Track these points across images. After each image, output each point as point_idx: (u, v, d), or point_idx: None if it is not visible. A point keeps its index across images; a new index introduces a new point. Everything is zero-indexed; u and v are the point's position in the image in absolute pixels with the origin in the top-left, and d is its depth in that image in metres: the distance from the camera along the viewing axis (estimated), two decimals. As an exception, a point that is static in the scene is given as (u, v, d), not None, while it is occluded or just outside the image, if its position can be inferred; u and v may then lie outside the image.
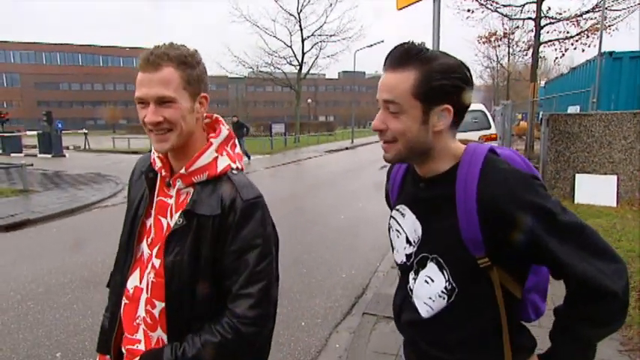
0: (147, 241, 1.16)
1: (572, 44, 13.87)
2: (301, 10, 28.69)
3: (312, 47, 30.22)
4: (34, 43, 69.04)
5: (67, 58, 71.29)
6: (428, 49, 0.95)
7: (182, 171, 1.09)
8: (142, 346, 1.14)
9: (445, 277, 1.00)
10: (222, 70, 31.82)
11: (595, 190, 6.85)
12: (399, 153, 0.99)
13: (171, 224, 1.10)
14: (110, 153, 23.70)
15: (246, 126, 17.49)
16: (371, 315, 3.66)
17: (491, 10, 14.09)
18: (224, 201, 1.07)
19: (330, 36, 29.89)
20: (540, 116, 9.30)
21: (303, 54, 29.90)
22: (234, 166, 1.14)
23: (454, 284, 0.99)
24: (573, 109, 9.76)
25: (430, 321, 1.05)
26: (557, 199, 0.93)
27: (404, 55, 0.94)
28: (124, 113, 65.84)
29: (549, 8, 13.83)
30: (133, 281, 1.17)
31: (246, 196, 1.08)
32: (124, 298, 1.19)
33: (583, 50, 14.35)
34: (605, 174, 6.86)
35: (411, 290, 1.09)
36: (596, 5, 13.25)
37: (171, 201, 1.13)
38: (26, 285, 4.50)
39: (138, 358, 1.11)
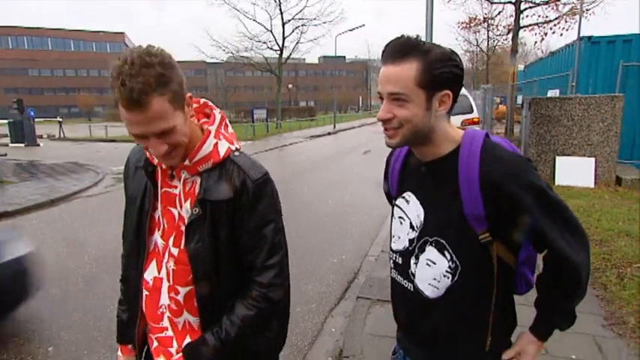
0: (159, 232, 1.18)
1: (550, 28, 14.08)
2: (281, -7, 28.09)
3: (292, 31, 29.77)
4: None
5: (35, 43, 68.04)
6: (424, 42, 1.01)
7: (186, 162, 1.10)
8: (169, 333, 1.19)
9: (448, 257, 1.07)
10: (200, 55, 31.08)
11: (574, 172, 7.05)
12: (404, 137, 1.05)
13: (184, 214, 1.13)
14: (87, 141, 23.04)
15: None
16: (365, 299, 3.70)
17: (472, -6, 14.11)
18: (234, 184, 1.11)
19: (311, 20, 29.44)
20: (521, 100, 9.44)
21: (284, 38, 29.43)
22: (233, 147, 1.16)
23: (457, 262, 1.06)
24: (553, 93, 9.95)
25: (436, 301, 1.10)
26: (546, 181, 1.03)
27: (403, 48, 1.00)
28: (99, 100, 63.37)
29: (528, -8, 13.96)
30: (150, 272, 1.20)
31: (254, 177, 1.12)
32: (143, 290, 1.21)
33: (561, 35, 14.59)
34: (584, 156, 7.06)
35: (413, 275, 1.14)
36: (574, -11, 13.44)
37: (177, 191, 1.15)
38: (10, 279, 4.37)
39: (183, 348, 1.15)
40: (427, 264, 1.10)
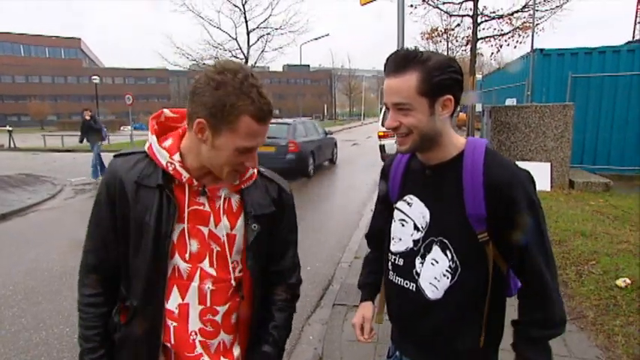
0: (183, 255, 1.09)
1: (505, 41, 14.87)
2: (246, 2, 27.97)
3: (257, 40, 29.64)
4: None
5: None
6: (422, 52, 1.08)
7: (235, 182, 1.13)
8: (206, 358, 1.14)
9: (449, 257, 1.13)
10: (162, 62, 30.38)
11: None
12: (414, 143, 1.12)
13: (218, 232, 1.11)
14: (41, 152, 21.82)
15: (101, 126, 11.61)
16: (341, 305, 3.73)
17: (433, 7, 14.67)
18: (273, 197, 1.19)
19: (276, 29, 29.48)
20: (481, 108, 9.88)
21: (249, 46, 29.24)
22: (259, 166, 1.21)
23: (457, 262, 1.12)
24: (510, 102, 10.48)
25: (436, 303, 1.15)
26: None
27: (403, 61, 1.07)
28: (53, 108, 60.24)
29: (485, 7, 14.69)
30: (174, 301, 1.11)
31: (287, 188, 1.24)
32: (169, 321, 1.11)
33: (515, 47, 15.40)
34: (541, 161, 7.46)
35: (418, 274, 1.19)
36: (525, 5, 14.29)
37: (206, 208, 1.10)
38: (-39, 300, 4.07)
39: None
40: (432, 263, 1.16)
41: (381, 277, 1.37)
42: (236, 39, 29.25)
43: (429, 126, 1.08)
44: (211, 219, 1.10)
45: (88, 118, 11.09)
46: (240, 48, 29.46)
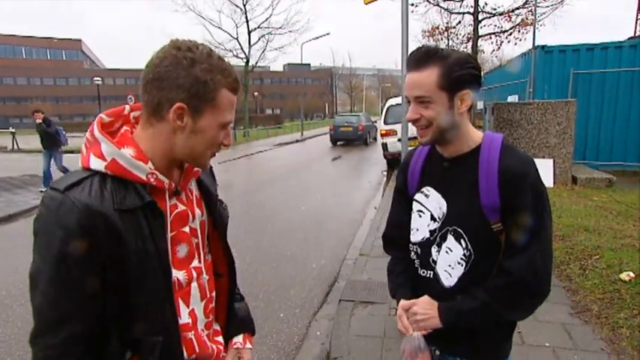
0: (177, 264, 1.01)
1: (506, 38, 14.91)
2: (247, 2, 28.04)
3: (258, 39, 29.71)
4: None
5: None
6: (442, 49, 1.14)
7: (196, 168, 1.07)
8: (213, 348, 1.14)
9: (463, 246, 1.19)
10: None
11: (535, 173, 7.45)
12: (434, 134, 1.17)
13: (195, 224, 1.06)
14: (43, 153, 21.91)
15: (57, 129, 9.80)
16: (348, 301, 3.77)
17: (434, 4, 14.70)
18: (212, 174, 1.22)
19: (277, 28, 29.53)
20: (483, 105, 9.90)
21: (250, 46, 29.32)
22: None
23: (471, 250, 1.17)
24: (512, 99, 10.49)
25: (450, 290, 1.21)
26: None
27: (424, 56, 1.12)
28: (55, 109, 60.31)
29: (485, 4, 14.72)
30: (184, 313, 1.04)
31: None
32: (188, 334, 1.04)
33: (515, 44, 15.45)
34: (543, 157, 7.48)
35: (434, 262, 1.25)
36: (526, 2, 14.30)
37: (183, 206, 1.03)
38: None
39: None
40: (446, 251, 1.22)
41: (409, 274, 1.36)
42: (237, 39, 29.41)
43: (447, 119, 1.14)
44: (189, 215, 1.04)
45: (39, 121, 9.33)
46: (242, 47, 29.59)
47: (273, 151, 21.02)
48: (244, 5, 28.03)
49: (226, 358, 1.21)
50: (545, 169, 7.37)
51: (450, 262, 1.21)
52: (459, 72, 1.11)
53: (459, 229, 1.19)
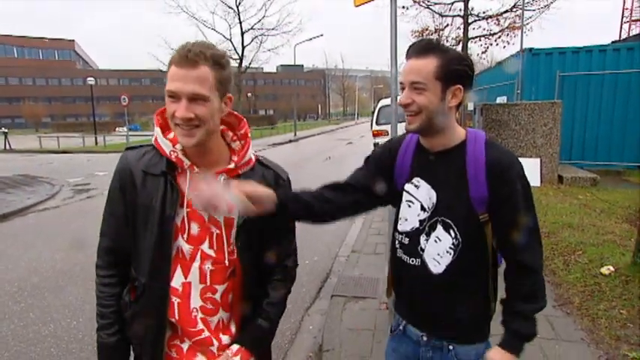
0: (183, 237, 1.17)
1: (495, 41, 15.10)
2: (240, 3, 28.01)
3: (251, 41, 29.69)
4: None
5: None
6: (444, 44, 1.21)
7: (231, 166, 1.19)
8: (207, 333, 1.22)
9: (452, 235, 1.23)
10: (156, 64, 30.29)
11: (522, 172, 7.60)
12: (422, 123, 1.20)
13: (220, 216, 1.16)
14: (37, 153, 21.72)
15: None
16: (339, 296, 3.84)
17: (424, 7, 14.84)
18: (270, 182, 1.25)
19: (270, 30, 29.53)
20: (472, 106, 10.04)
21: (243, 47, 29.29)
22: (253, 155, 1.29)
23: (460, 239, 1.22)
24: (501, 100, 10.66)
25: (439, 276, 1.25)
26: None
27: (426, 46, 1.18)
28: (47, 110, 59.65)
29: (472, 7, 14.91)
30: (178, 279, 1.19)
31: (284, 175, 1.32)
32: (173, 298, 1.19)
33: (504, 47, 15.66)
34: (531, 157, 7.62)
35: (422, 250, 1.28)
36: (514, 6, 14.50)
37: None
38: (-32, 297, 4.13)
39: (241, 340, 1.23)
40: (435, 240, 1.25)
41: (310, 197, 1.33)
42: (230, 40, 29.37)
43: (437, 109, 1.17)
44: None
45: None
46: (235, 49, 29.54)
47: (266, 151, 21.05)
48: (237, 7, 28.01)
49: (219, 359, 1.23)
50: (533, 168, 7.51)
51: (438, 251, 1.24)
52: (457, 66, 1.15)
53: (448, 220, 1.22)
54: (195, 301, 1.20)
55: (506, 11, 14.59)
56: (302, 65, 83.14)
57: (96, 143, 25.25)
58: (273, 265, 1.30)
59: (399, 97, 1.23)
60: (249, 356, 1.22)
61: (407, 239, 1.32)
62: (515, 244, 1.19)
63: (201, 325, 1.21)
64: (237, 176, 1.20)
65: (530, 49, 9.18)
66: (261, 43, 30.08)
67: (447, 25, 16.18)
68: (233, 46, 29.24)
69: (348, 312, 3.56)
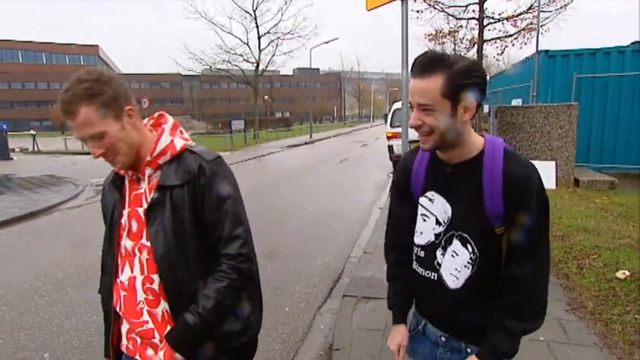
0: (126, 235, 1.26)
1: (511, 42, 14.87)
2: (257, 8, 28.27)
3: (268, 44, 29.92)
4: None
5: (6, 56, 65.40)
6: (448, 56, 1.11)
7: (148, 158, 1.22)
8: (150, 325, 1.25)
9: (470, 250, 1.19)
10: (176, 68, 30.85)
11: (537, 175, 7.45)
12: (435, 142, 1.15)
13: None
14: (62, 155, 22.38)
15: None
16: (350, 297, 3.85)
17: (439, 11, 14.72)
18: (191, 168, 1.21)
19: (286, 34, 29.72)
20: (487, 109, 9.90)
21: (260, 51, 29.54)
22: (189, 143, 1.28)
23: (478, 254, 1.18)
24: (516, 102, 10.48)
25: (457, 291, 1.22)
26: None
27: (429, 64, 1.10)
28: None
29: (486, 9, 14.71)
30: (125, 274, 1.26)
31: (209, 158, 1.24)
32: (120, 291, 1.28)
33: (520, 48, 15.40)
34: (546, 159, 7.48)
35: (439, 264, 1.25)
36: (530, 7, 14.24)
37: (143, 189, 1.25)
38: (-3, 291, 4.29)
39: (166, 334, 1.20)
40: (452, 255, 1.22)
41: (408, 292, 1.40)
42: (247, 44, 29.66)
43: (450, 127, 1.12)
44: (144, 198, 1.24)
45: None
46: (252, 52, 29.83)
47: (282, 153, 21.17)
48: (254, 11, 28.28)
49: None
50: (548, 171, 7.36)
51: (456, 266, 1.20)
52: (464, 81, 1.08)
53: (465, 234, 1.18)
54: (141, 294, 1.24)
55: (522, 12, 14.36)
56: (318, 68, 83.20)
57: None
58: (216, 252, 1.21)
59: (410, 119, 1.17)
60: (172, 352, 1.17)
61: (422, 252, 1.29)
62: (516, 256, 1.15)
63: (146, 317, 1.24)
64: (159, 167, 1.24)
65: (546, 51, 9.01)
66: (277, 46, 30.29)
67: (461, 26, 16.00)
68: (250, 49, 29.53)
69: (359, 312, 3.56)
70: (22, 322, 3.64)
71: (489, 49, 16.87)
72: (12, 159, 19.45)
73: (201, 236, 1.22)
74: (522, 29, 14.62)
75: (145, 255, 1.22)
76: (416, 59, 1.13)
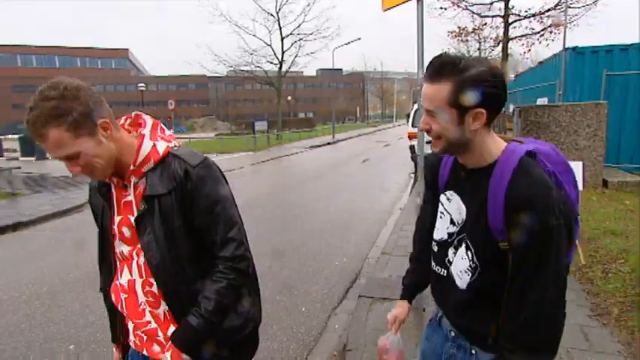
0: (121, 240, 1.27)
1: (538, 39, 14.39)
2: (280, 10, 28.51)
3: (291, 45, 30.11)
4: (9, 45, 66.28)
5: (43, 61, 68.44)
6: (462, 61, 1.03)
7: (131, 167, 1.19)
8: (153, 325, 1.28)
9: (469, 257, 1.16)
10: (201, 70, 31.49)
11: (563, 176, 7.19)
12: (443, 147, 1.13)
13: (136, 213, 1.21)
14: (94, 154, 23.15)
15: None
16: (366, 297, 3.83)
17: (463, 9, 14.41)
18: (177, 174, 1.18)
19: (309, 35, 29.83)
20: (512, 109, 9.64)
21: (283, 52, 29.76)
22: (172, 144, 1.24)
23: (477, 264, 1.14)
24: (542, 101, 10.13)
25: (462, 291, 1.20)
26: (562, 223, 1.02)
27: (439, 69, 1.05)
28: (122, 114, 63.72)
29: (513, 6, 14.29)
30: (124, 277, 1.29)
31: (194, 162, 1.20)
32: (121, 294, 1.30)
33: (547, 45, 14.90)
34: (573, 160, 7.20)
35: (450, 262, 1.24)
36: (558, 3, 13.75)
37: (131, 197, 1.22)
38: (29, 286, 4.49)
39: (171, 336, 1.22)
40: (461, 257, 1.20)
41: (423, 275, 1.45)
42: (270, 45, 29.95)
43: (456, 135, 1.08)
44: (134, 206, 1.22)
45: None
46: (275, 53, 30.10)
47: (304, 153, 21.25)
48: (277, 13, 28.52)
49: None
50: (575, 172, 7.07)
51: (461, 269, 1.19)
52: (474, 90, 1.02)
53: (468, 241, 1.16)
54: (141, 296, 1.27)
55: (550, 9, 13.88)
56: (341, 69, 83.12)
57: (144, 145, 26.64)
58: (212, 256, 1.22)
59: (420, 122, 1.16)
60: (179, 354, 1.18)
61: (437, 247, 1.30)
62: (511, 277, 1.07)
63: (148, 317, 1.28)
64: (144, 175, 1.20)
65: (574, 48, 8.67)
66: (299, 47, 30.45)
67: (485, 24, 15.62)
68: (273, 51, 29.78)
69: (374, 313, 3.54)
70: (51, 316, 3.80)
71: (515, 47, 16.42)
72: (48, 158, 20.29)
73: (195, 240, 1.22)
74: (549, 26, 14.14)
75: (142, 259, 1.23)
76: (430, 61, 1.09)
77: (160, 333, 1.27)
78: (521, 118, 7.48)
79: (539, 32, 14.14)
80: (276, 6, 28.34)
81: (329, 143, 27.23)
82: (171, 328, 1.25)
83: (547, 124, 7.30)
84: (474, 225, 1.14)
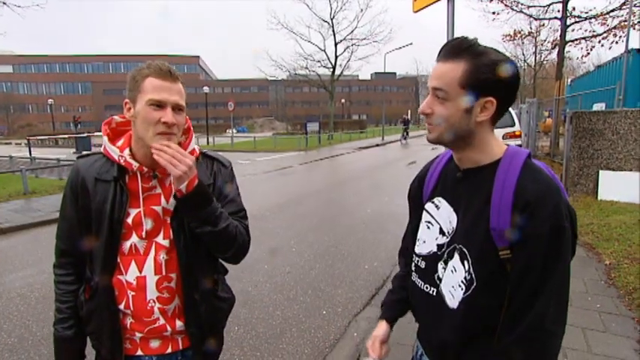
0: (140, 233, 1.18)
1: (599, 42, 12.90)
2: (334, 17, 28.46)
3: (344, 50, 29.97)
4: (103, 55, 72.84)
5: (131, 67, 73.99)
6: (479, 44, 0.93)
7: None
8: (162, 321, 1.22)
9: (465, 268, 0.98)
10: (262, 74, 32.29)
11: (619, 187, 6.35)
12: (441, 134, 0.98)
13: (170, 206, 1.19)
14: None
15: None
16: (388, 306, 3.57)
17: (517, 12, 13.32)
18: (212, 170, 1.30)
19: (361, 40, 29.49)
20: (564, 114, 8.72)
21: (336, 57, 29.70)
22: (197, 147, 1.31)
23: (473, 275, 0.97)
24: (598, 107, 9.06)
25: (454, 311, 1.01)
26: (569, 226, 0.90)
27: (456, 48, 0.93)
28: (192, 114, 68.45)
29: (574, 8, 12.92)
30: (132, 274, 1.19)
31: (225, 163, 1.35)
32: (128, 291, 1.19)
33: (610, 48, 13.34)
34: (631, 170, 6.35)
35: (440, 279, 1.06)
36: (624, 3, 12.23)
37: (159, 189, 1.20)
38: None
39: (194, 186, 1.14)
40: (452, 270, 1.02)
41: (404, 294, 1.26)
42: (324, 50, 30.00)
43: (460, 123, 0.95)
44: (162, 198, 1.19)
45: None
46: (329, 58, 30.12)
47: (352, 154, 21.00)
48: (331, 19, 28.48)
49: None
50: (632, 183, 6.24)
51: (453, 283, 1.01)
52: (488, 75, 0.90)
53: (464, 249, 0.98)
54: (152, 293, 1.20)
55: (614, 9, 12.39)
56: (395, 73, 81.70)
57: (207, 143, 28.15)
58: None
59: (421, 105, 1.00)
60: (195, 180, 1.13)
61: (423, 263, 1.11)
62: (512, 285, 0.91)
63: (157, 315, 1.22)
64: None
65: (638, 50, 7.64)
66: (352, 52, 30.21)
67: (543, 25, 14.32)
68: (327, 55, 29.84)
69: (396, 324, 3.27)
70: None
71: (573, 51, 14.93)
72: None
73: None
74: (614, 27, 12.60)
75: (162, 255, 1.18)
76: (445, 43, 0.97)
77: (168, 328, 1.23)
78: (572, 124, 6.72)
79: (600, 34, 12.69)
80: (330, 13, 28.33)
81: (377, 145, 26.71)
82: (178, 323, 1.23)
83: (602, 132, 6.49)
84: (471, 230, 0.98)
